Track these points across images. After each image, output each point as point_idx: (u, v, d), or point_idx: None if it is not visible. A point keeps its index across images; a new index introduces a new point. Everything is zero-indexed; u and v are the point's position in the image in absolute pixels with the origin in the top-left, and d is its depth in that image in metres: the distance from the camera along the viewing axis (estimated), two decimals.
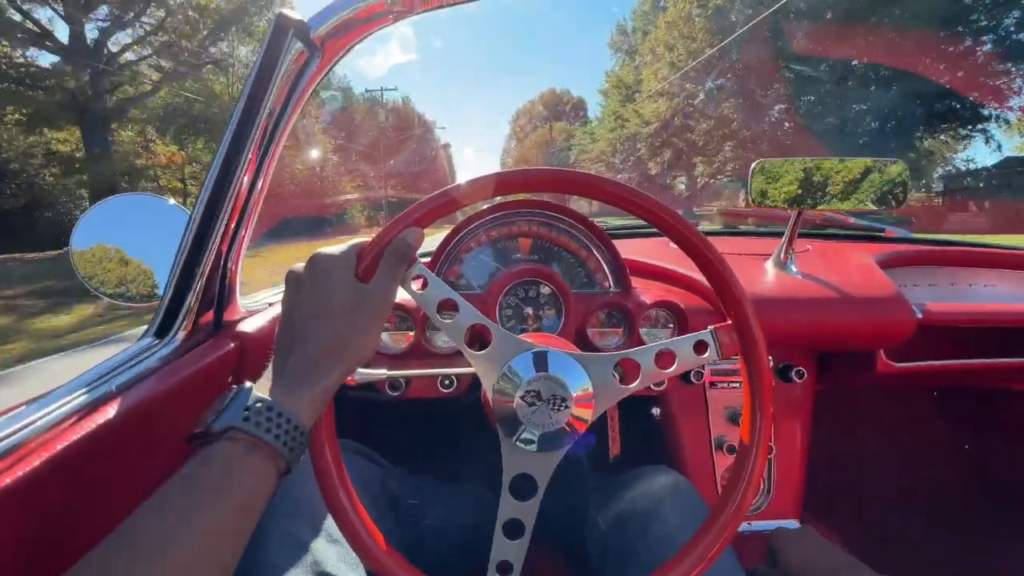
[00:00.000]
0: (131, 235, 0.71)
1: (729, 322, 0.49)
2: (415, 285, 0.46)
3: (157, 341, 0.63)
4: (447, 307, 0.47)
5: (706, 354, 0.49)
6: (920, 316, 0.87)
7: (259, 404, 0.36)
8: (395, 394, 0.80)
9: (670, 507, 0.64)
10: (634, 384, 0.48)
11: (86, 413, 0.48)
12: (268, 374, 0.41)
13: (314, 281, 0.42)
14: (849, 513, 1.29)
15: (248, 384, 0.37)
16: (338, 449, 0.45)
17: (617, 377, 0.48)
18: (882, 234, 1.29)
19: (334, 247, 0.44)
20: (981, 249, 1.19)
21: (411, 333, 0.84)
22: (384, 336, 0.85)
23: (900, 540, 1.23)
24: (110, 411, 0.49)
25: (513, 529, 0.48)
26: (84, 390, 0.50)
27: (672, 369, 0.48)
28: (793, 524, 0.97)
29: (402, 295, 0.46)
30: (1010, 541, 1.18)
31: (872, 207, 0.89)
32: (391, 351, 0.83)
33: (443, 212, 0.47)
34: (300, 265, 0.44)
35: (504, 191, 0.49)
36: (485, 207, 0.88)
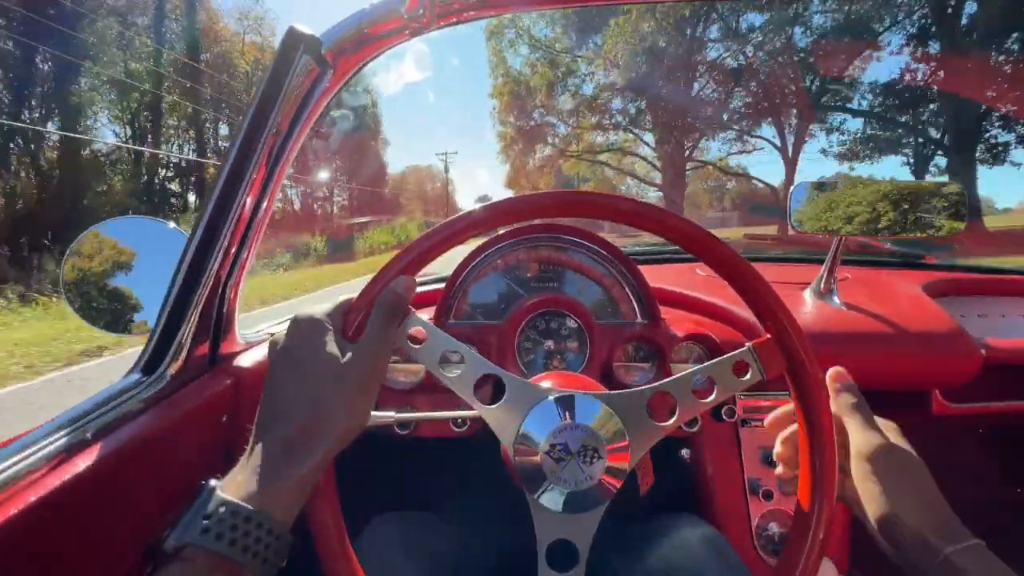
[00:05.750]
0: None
1: (768, 336, 0.43)
2: (412, 339, 0.41)
3: (144, 378, 0.57)
4: (451, 358, 0.42)
5: (747, 376, 0.43)
6: (985, 354, 0.79)
7: (222, 509, 0.30)
8: (404, 432, 0.74)
9: (710, 568, 0.57)
10: (672, 420, 0.43)
11: (54, 466, 0.42)
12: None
13: (294, 347, 0.37)
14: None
15: (212, 483, 0.32)
16: (344, 534, 0.39)
17: (651, 415, 0.43)
18: (922, 260, 1.22)
19: (317, 306, 0.40)
20: None
21: (422, 366, 0.78)
22: (393, 371, 0.79)
23: None
24: (80, 464, 0.43)
25: None
26: (53, 438, 0.44)
27: (712, 398, 0.43)
28: None
29: None
30: None
31: (926, 233, 0.81)
32: (401, 386, 0.77)
33: (435, 254, 0.42)
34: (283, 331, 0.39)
35: (504, 222, 0.44)
36: (502, 231, 0.83)
